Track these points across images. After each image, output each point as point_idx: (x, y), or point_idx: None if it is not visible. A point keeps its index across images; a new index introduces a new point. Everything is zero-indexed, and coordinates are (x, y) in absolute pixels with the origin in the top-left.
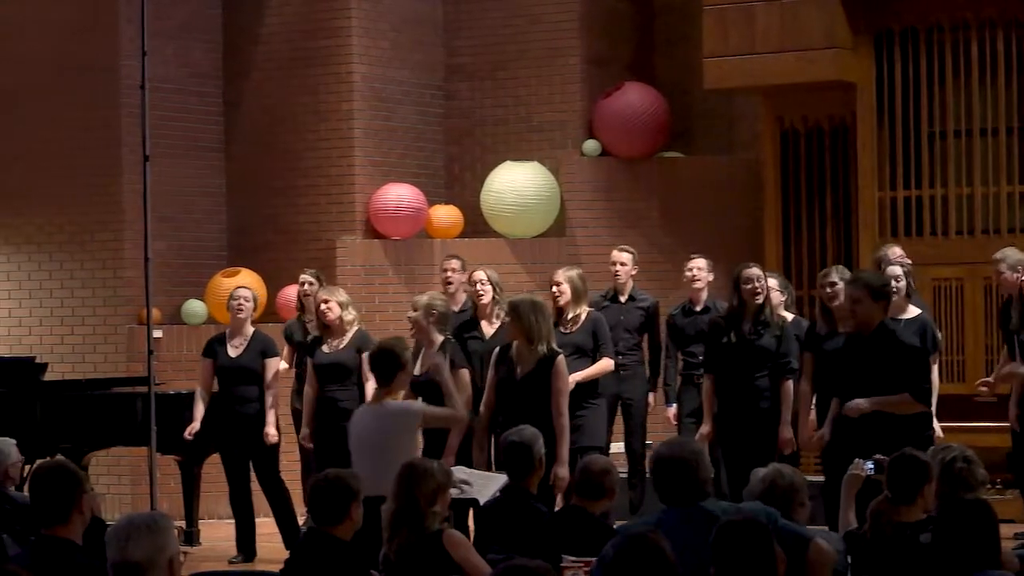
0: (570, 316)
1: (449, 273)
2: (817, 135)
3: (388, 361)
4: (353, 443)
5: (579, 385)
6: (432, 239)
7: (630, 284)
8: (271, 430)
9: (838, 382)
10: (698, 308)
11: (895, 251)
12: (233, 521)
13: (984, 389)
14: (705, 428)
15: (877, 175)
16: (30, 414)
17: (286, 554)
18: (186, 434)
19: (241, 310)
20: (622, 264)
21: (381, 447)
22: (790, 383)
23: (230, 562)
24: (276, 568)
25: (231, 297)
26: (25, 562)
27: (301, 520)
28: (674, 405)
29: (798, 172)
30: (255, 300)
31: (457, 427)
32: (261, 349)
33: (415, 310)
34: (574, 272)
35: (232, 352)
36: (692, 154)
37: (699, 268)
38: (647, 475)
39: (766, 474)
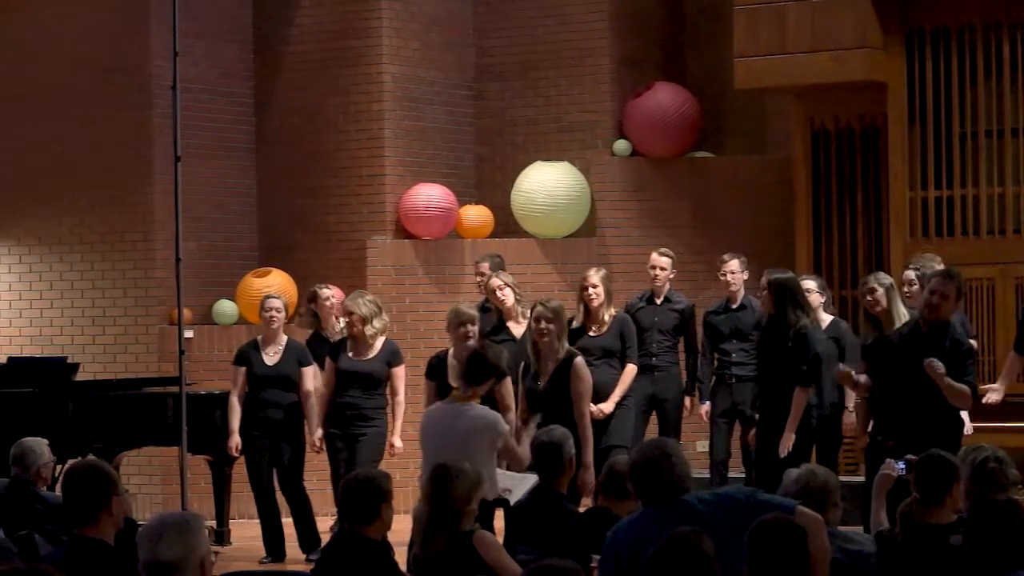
0: (604, 318)
1: (478, 278)
2: (848, 135)
3: (482, 367)
4: (429, 439)
5: (609, 388)
6: (462, 239)
7: (667, 287)
8: (316, 439)
9: (891, 373)
10: (734, 306)
11: (934, 265)
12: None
13: (993, 399)
14: (753, 430)
15: (908, 175)
16: (62, 414)
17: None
18: (234, 451)
19: (274, 321)
20: (662, 268)
21: (461, 448)
22: (801, 390)
23: (260, 562)
24: (304, 568)
25: (263, 308)
26: (57, 562)
27: (329, 522)
28: (707, 403)
29: (829, 172)
30: (286, 308)
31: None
32: (297, 357)
33: (474, 324)
34: (604, 272)
35: (268, 360)
36: (723, 154)
37: (732, 271)
38: None
39: (799, 475)
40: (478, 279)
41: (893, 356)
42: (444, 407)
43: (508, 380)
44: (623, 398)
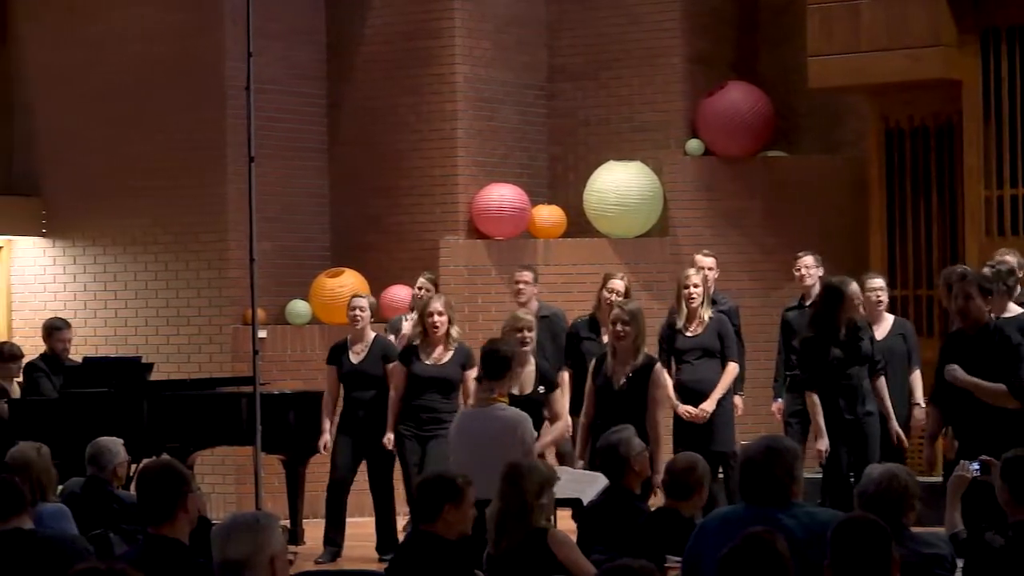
0: (706, 318)
1: (521, 285)
2: (923, 133)
3: (498, 361)
4: (461, 442)
5: (711, 386)
6: (535, 239)
7: (712, 288)
8: (386, 439)
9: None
10: (807, 302)
11: (1009, 259)
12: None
13: None
14: (823, 444)
15: (983, 173)
16: (137, 414)
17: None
18: (322, 448)
19: (358, 320)
20: (710, 268)
21: (494, 450)
22: (882, 379)
23: (316, 562)
24: (378, 568)
25: (349, 306)
26: (133, 560)
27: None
28: (779, 400)
29: (903, 171)
30: (372, 307)
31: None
32: (382, 354)
33: (531, 330)
34: (704, 273)
35: (354, 359)
36: (796, 153)
37: (806, 267)
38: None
39: (882, 475)
40: (520, 287)
41: (953, 357)
42: (474, 411)
43: (558, 391)
44: (723, 400)
